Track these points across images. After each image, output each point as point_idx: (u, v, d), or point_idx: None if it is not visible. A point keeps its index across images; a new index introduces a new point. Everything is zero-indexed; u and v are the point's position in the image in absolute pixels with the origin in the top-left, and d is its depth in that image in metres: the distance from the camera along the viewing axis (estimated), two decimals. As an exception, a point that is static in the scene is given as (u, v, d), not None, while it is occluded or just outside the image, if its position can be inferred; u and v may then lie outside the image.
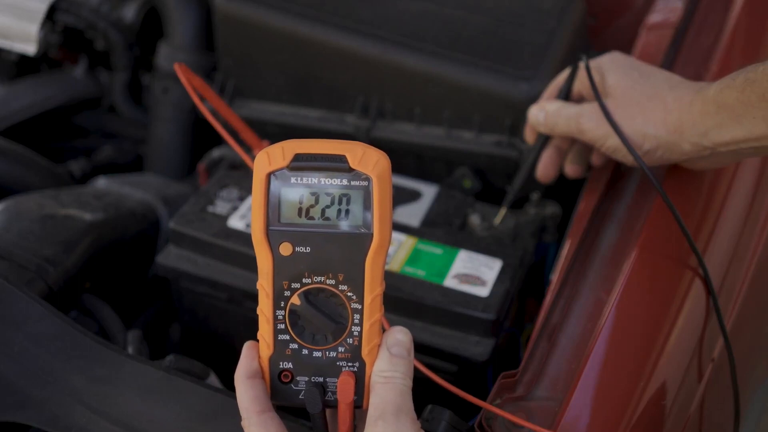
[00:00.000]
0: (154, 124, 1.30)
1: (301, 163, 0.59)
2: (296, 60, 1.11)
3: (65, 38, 1.34)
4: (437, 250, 0.89)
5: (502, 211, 0.94)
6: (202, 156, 1.17)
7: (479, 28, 1.08)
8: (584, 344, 0.73)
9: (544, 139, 0.91)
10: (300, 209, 0.60)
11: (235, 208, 0.94)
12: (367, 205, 0.59)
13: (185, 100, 1.27)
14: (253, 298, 0.90)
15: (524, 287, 0.93)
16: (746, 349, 0.90)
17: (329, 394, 0.62)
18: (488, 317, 0.82)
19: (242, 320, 0.92)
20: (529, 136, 0.93)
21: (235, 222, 0.92)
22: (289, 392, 0.62)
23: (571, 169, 0.93)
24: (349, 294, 0.60)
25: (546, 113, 0.88)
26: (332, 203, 0.60)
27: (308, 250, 0.60)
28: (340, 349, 0.60)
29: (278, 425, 0.60)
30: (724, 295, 0.82)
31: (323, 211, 0.60)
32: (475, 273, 0.86)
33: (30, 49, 1.29)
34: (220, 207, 0.94)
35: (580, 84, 0.88)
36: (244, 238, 0.90)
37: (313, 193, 0.59)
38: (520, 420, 0.67)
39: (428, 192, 1.00)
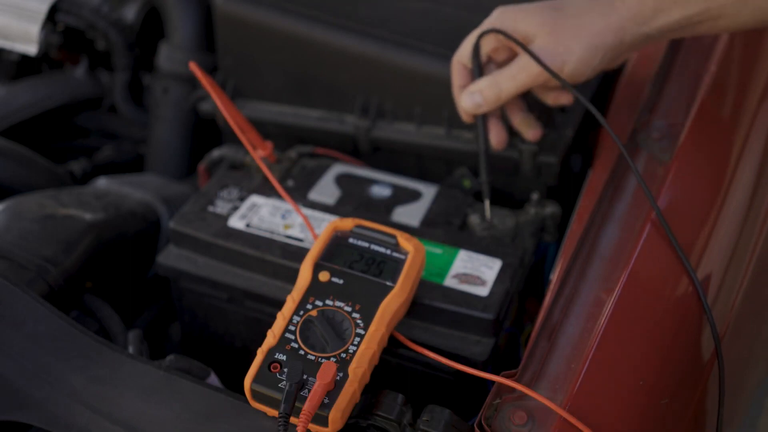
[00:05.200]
0: (155, 124, 1.30)
1: (360, 231, 0.79)
2: (296, 60, 1.11)
3: (66, 39, 1.34)
4: (437, 250, 0.89)
5: (487, 204, 0.95)
6: (203, 156, 1.17)
7: (479, 28, 1.08)
8: (584, 344, 0.73)
9: (483, 117, 0.94)
10: (346, 261, 0.76)
11: (235, 208, 0.94)
12: (398, 270, 0.75)
13: (185, 101, 1.27)
14: (253, 298, 0.90)
15: (524, 287, 0.93)
16: (745, 349, 0.90)
17: (306, 391, 0.67)
18: (488, 317, 0.82)
19: (242, 320, 0.92)
20: (467, 118, 0.96)
21: (236, 222, 0.92)
22: (272, 380, 0.69)
23: (532, 134, 0.98)
24: (358, 321, 0.71)
25: (482, 91, 0.91)
26: (372, 263, 0.76)
27: (341, 282, 0.74)
28: (332, 359, 0.69)
29: None
30: (723, 295, 0.82)
31: (363, 265, 0.76)
32: (474, 273, 0.86)
33: (31, 49, 1.29)
34: (220, 207, 0.94)
35: (484, 51, 0.92)
36: (245, 238, 0.90)
37: (360, 252, 0.77)
38: (531, 392, 0.69)
39: (428, 192, 1.00)
